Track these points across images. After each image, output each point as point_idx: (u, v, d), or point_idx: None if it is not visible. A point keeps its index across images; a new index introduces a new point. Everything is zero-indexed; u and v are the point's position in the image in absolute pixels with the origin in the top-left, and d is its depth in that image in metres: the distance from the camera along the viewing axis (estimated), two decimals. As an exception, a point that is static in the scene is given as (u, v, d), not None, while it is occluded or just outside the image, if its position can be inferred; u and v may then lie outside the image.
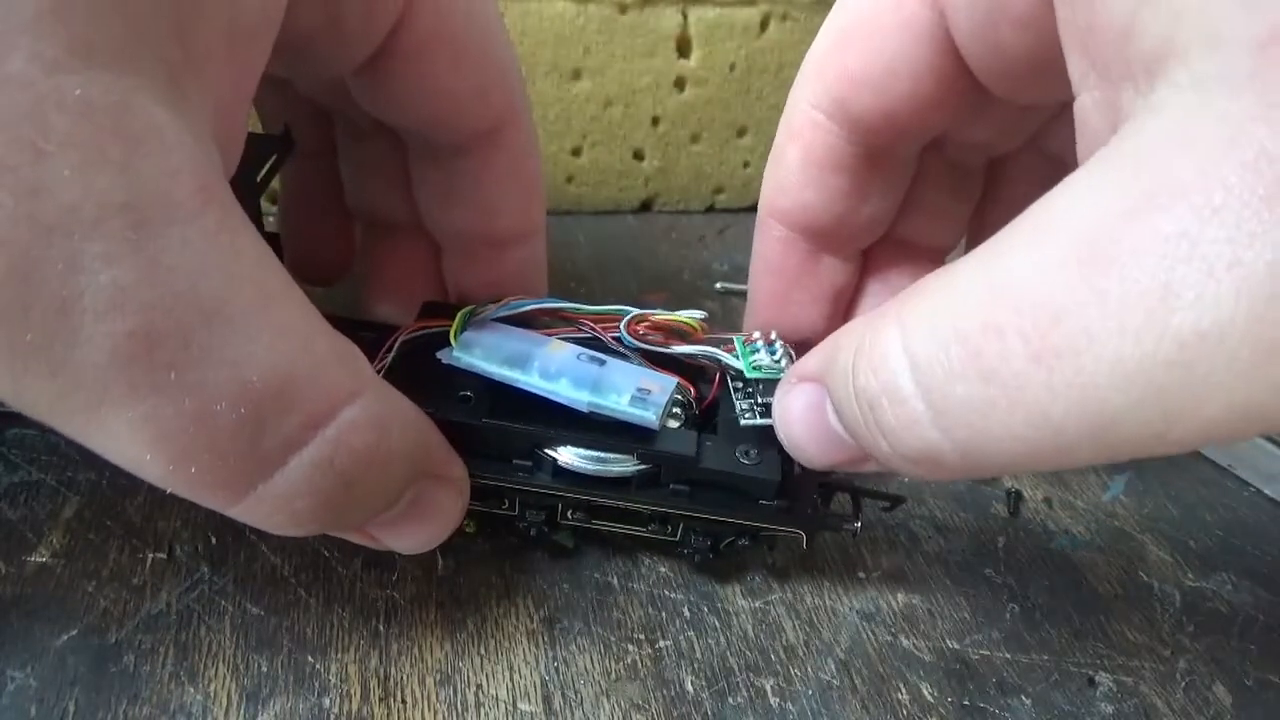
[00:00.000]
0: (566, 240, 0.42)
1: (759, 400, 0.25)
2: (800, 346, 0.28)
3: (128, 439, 0.16)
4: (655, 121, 0.43)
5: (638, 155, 0.44)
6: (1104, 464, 0.15)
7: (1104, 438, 0.15)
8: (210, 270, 0.16)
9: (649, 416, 0.23)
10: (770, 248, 0.27)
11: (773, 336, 0.26)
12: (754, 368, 0.25)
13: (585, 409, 0.23)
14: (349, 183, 0.29)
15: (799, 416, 0.21)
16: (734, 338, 0.26)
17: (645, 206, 0.45)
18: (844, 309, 0.28)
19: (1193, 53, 0.14)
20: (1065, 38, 0.17)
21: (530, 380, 0.23)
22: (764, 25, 0.42)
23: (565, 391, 0.23)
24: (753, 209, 0.46)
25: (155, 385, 0.15)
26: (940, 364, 0.16)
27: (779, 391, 0.23)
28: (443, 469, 0.22)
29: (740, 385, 0.25)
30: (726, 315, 0.38)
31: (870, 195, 0.25)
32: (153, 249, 0.15)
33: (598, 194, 0.44)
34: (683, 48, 0.42)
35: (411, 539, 0.22)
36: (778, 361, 0.25)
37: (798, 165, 0.25)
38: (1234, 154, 0.13)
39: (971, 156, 0.26)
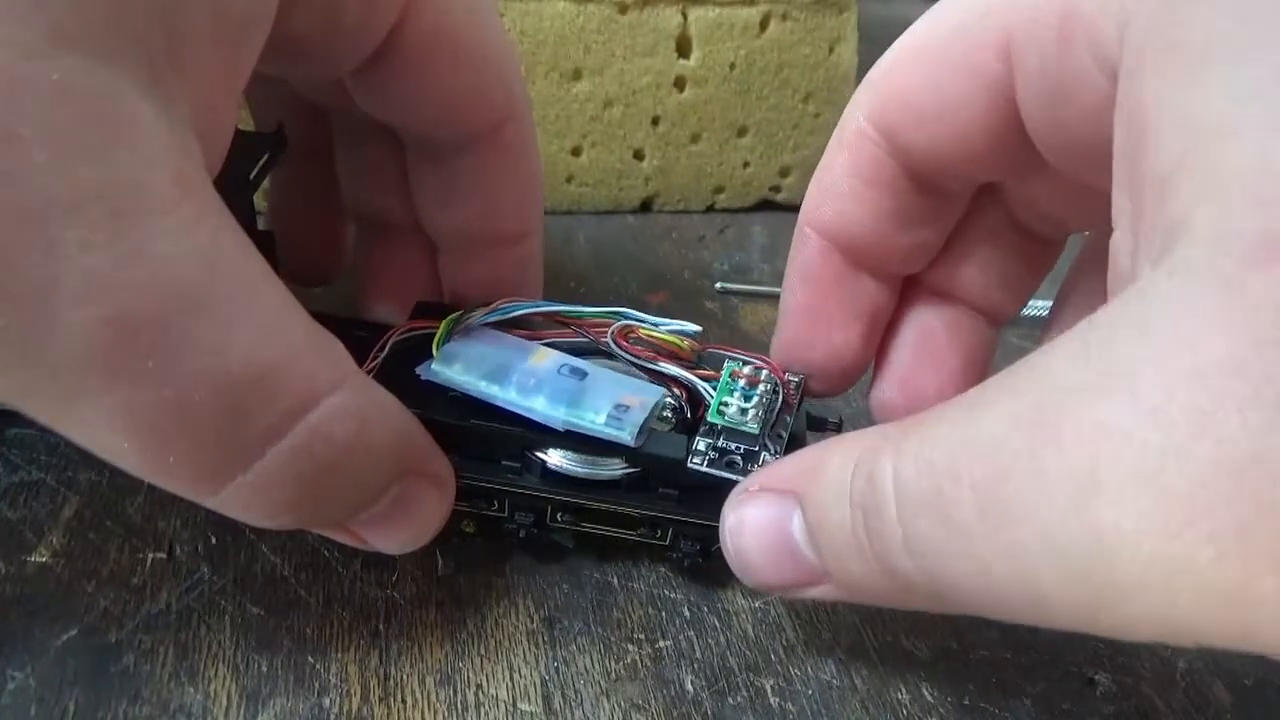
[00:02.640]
0: (566, 240, 0.42)
1: (717, 444, 0.24)
2: (823, 377, 0.26)
3: (105, 428, 0.16)
4: (655, 121, 0.43)
5: (638, 155, 0.44)
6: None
7: (1040, 607, 0.15)
8: (189, 259, 0.15)
9: (624, 435, 0.23)
10: (806, 256, 0.25)
11: (761, 378, 0.25)
12: (719, 412, 0.24)
13: (561, 427, 0.23)
14: (346, 183, 0.29)
15: (757, 527, 0.21)
16: (727, 365, 0.25)
17: (645, 206, 0.45)
18: (878, 336, 0.27)
19: (1196, 238, 0.13)
20: (1117, 162, 0.16)
21: (508, 396, 0.23)
22: (764, 25, 0.42)
23: (541, 409, 0.23)
24: (753, 209, 0.46)
25: (133, 373, 0.15)
26: (914, 493, 0.16)
27: (733, 499, 0.22)
28: (427, 465, 0.22)
29: (709, 420, 0.24)
30: (726, 315, 0.38)
31: (914, 221, 0.24)
32: (131, 237, 0.15)
33: (598, 194, 0.44)
34: (683, 48, 0.42)
35: (395, 538, 0.22)
36: (744, 412, 0.24)
37: (844, 176, 0.24)
38: (1186, 360, 0.13)
39: (1041, 224, 0.25)
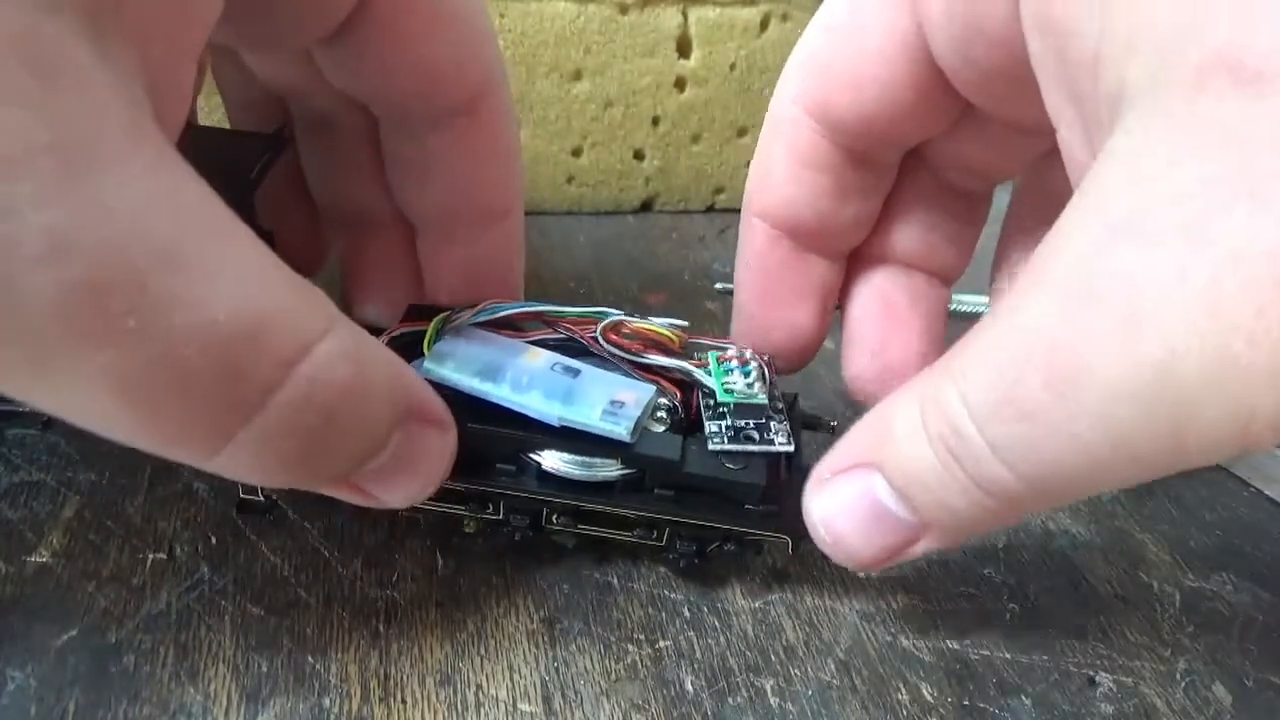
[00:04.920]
0: (567, 240, 0.42)
1: (729, 423, 0.24)
2: (786, 356, 0.28)
3: (88, 395, 0.15)
4: (655, 121, 0.43)
5: (638, 155, 0.44)
6: (1170, 475, 0.16)
7: (1131, 453, 0.16)
8: (154, 210, 0.15)
9: (619, 431, 0.23)
10: (755, 245, 0.27)
11: (747, 356, 0.25)
12: (726, 390, 0.25)
13: (556, 423, 0.23)
14: (315, 177, 0.29)
15: (846, 507, 0.21)
16: (710, 353, 0.26)
17: (645, 206, 0.45)
18: (830, 309, 0.28)
19: (1141, 91, 0.15)
20: (1039, 69, 0.18)
21: (501, 393, 0.23)
22: (764, 25, 0.42)
23: (536, 405, 0.23)
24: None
25: (113, 334, 0.14)
26: (987, 406, 0.17)
27: (811, 492, 0.22)
28: (426, 408, 0.21)
29: (712, 404, 0.25)
30: (727, 315, 0.38)
31: (851, 195, 0.25)
32: (89, 190, 0.14)
33: (598, 194, 0.44)
34: (683, 48, 0.42)
35: (402, 489, 0.21)
36: (750, 385, 0.25)
37: (781, 162, 0.25)
38: (1171, 186, 0.14)
39: (968, 179, 0.26)
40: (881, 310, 0.28)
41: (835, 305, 0.28)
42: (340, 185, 0.28)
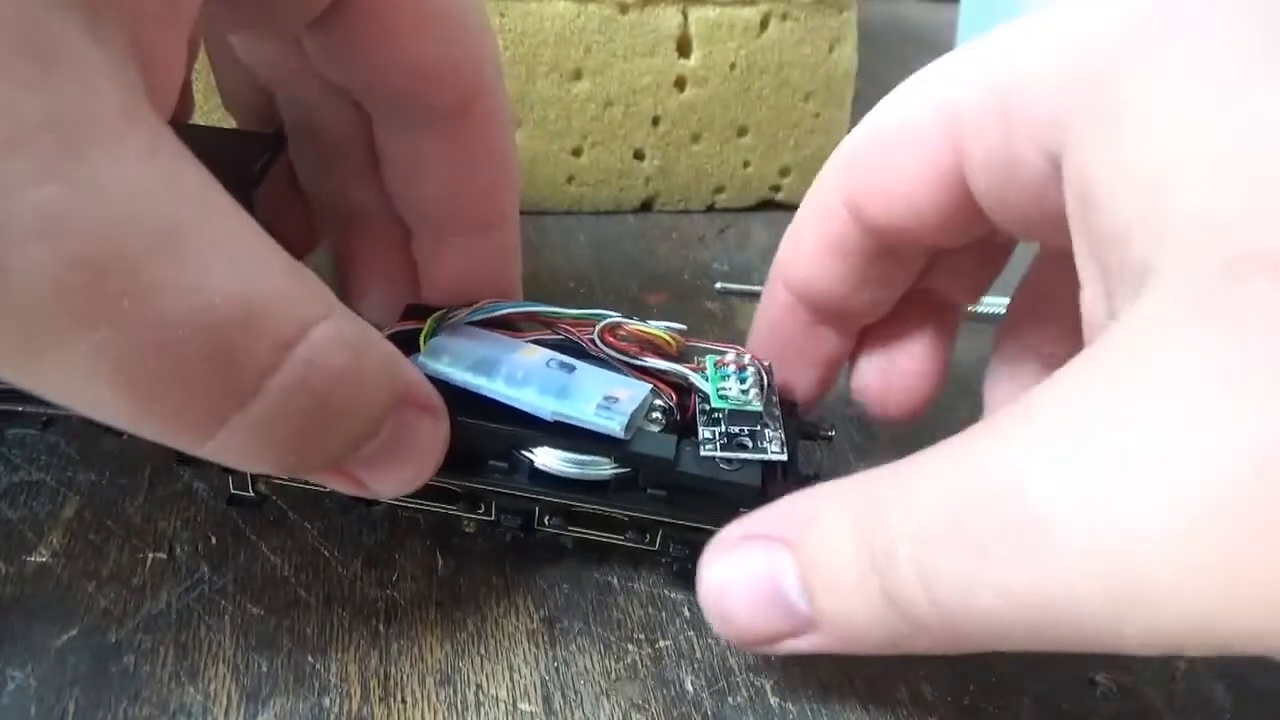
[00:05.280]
0: (566, 240, 0.42)
1: (723, 429, 0.24)
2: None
3: (82, 378, 0.15)
4: (655, 121, 0.43)
5: (638, 155, 0.44)
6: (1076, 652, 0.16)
7: (1066, 622, 0.15)
8: (150, 191, 0.15)
9: (613, 426, 0.23)
10: (774, 308, 0.27)
11: (745, 361, 0.25)
12: (721, 396, 0.25)
13: (549, 417, 0.23)
14: (307, 173, 0.29)
15: (745, 577, 0.20)
16: (708, 357, 0.26)
17: (645, 206, 0.45)
18: (833, 378, 0.29)
19: (1168, 275, 0.15)
20: (1074, 228, 0.18)
21: (495, 387, 0.23)
22: (764, 25, 0.42)
23: (530, 399, 0.23)
24: (754, 208, 0.46)
25: (108, 316, 0.14)
26: (929, 529, 0.17)
27: (714, 549, 0.21)
28: (419, 394, 0.21)
29: (707, 410, 0.25)
30: (727, 315, 0.38)
31: (874, 284, 0.26)
32: (84, 170, 0.14)
33: (598, 194, 0.44)
34: (683, 48, 0.42)
35: (395, 475, 0.21)
36: (745, 392, 0.25)
37: (811, 243, 0.26)
38: (1186, 373, 0.14)
39: (997, 235, 0.26)
40: (889, 331, 0.28)
41: (838, 373, 0.29)
42: (332, 181, 0.28)
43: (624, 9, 0.40)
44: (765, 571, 0.20)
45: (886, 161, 0.23)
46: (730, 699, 0.24)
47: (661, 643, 0.25)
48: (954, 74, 0.22)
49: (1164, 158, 0.16)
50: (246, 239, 0.17)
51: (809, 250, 0.26)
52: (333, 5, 0.22)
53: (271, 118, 0.28)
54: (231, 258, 0.16)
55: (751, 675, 0.24)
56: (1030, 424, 0.16)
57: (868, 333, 0.28)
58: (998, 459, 0.16)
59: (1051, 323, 0.26)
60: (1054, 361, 0.26)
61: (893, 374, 0.28)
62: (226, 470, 0.25)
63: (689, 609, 0.26)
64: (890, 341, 0.28)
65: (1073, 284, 0.19)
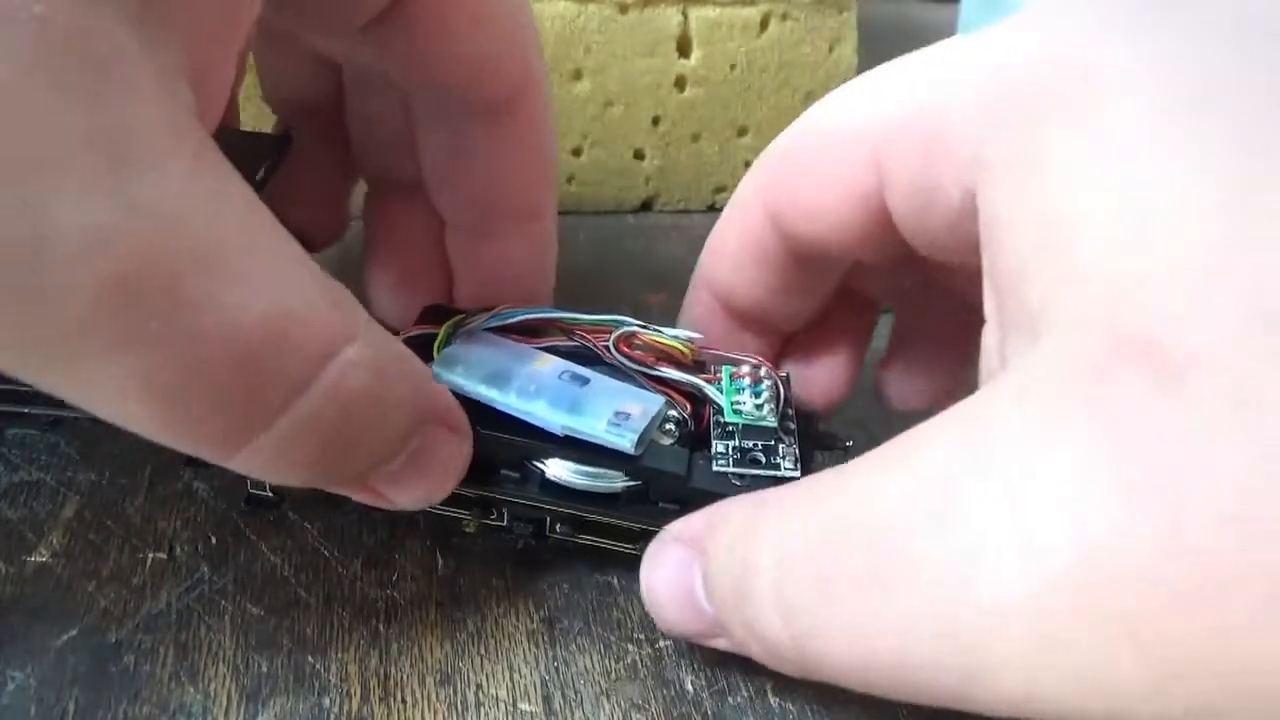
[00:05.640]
0: (566, 240, 0.42)
1: (736, 444, 0.24)
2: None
3: (114, 391, 0.15)
4: (655, 121, 0.43)
5: (638, 155, 0.44)
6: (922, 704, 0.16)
7: (913, 676, 0.16)
8: (194, 211, 0.15)
9: (624, 443, 0.23)
10: (698, 313, 0.28)
11: (762, 374, 0.25)
12: (735, 410, 0.25)
13: (560, 432, 0.23)
14: (356, 136, 0.29)
15: (666, 576, 0.22)
16: (724, 367, 0.26)
17: (645, 206, 0.45)
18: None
19: (1056, 339, 0.15)
20: (985, 267, 0.18)
21: (507, 401, 0.23)
22: (764, 25, 0.42)
23: (541, 413, 0.23)
24: (753, 209, 0.46)
25: (143, 333, 0.14)
26: (790, 559, 0.17)
27: (652, 546, 0.23)
28: (444, 412, 0.21)
29: (721, 422, 0.25)
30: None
31: (794, 294, 0.26)
32: (131, 187, 0.14)
33: (598, 194, 0.44)
34: (683, 48, 0.42)
35: (418, 490, 0.21)
36: (760, 406, 0.25)
37: (733, 247, 0.26)
38: (1057, 454, 0.14)
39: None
40: (813, 323, 0.28)
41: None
42: (380, 148, 0.28)
43: (624, 9, 0.40)
44: (682, 573, 0.21)
45: (809, 173, 0.23)
46: (730, 699, 0.24)
47: (661, 643, 0.25)
48: (883, 90, 0.21)
49: (1071, 210, 0.15)
50: (284, 258, 0.17)
51: (729, 255, 0.26)
52: (387, 7, 0.22)
53: (317, 105, 0.28)
54: (268, 277, 0.16)
55: (751, 675, 0.24)
56: (906, 470, 0.16)
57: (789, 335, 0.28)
58: (866, 499, 0.17)
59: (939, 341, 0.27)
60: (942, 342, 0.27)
61: (810, 374, 0.28)
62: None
63: (689, 609, 0.26)
64: (808, 341, 0.28)
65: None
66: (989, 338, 0.18)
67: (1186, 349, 0.13)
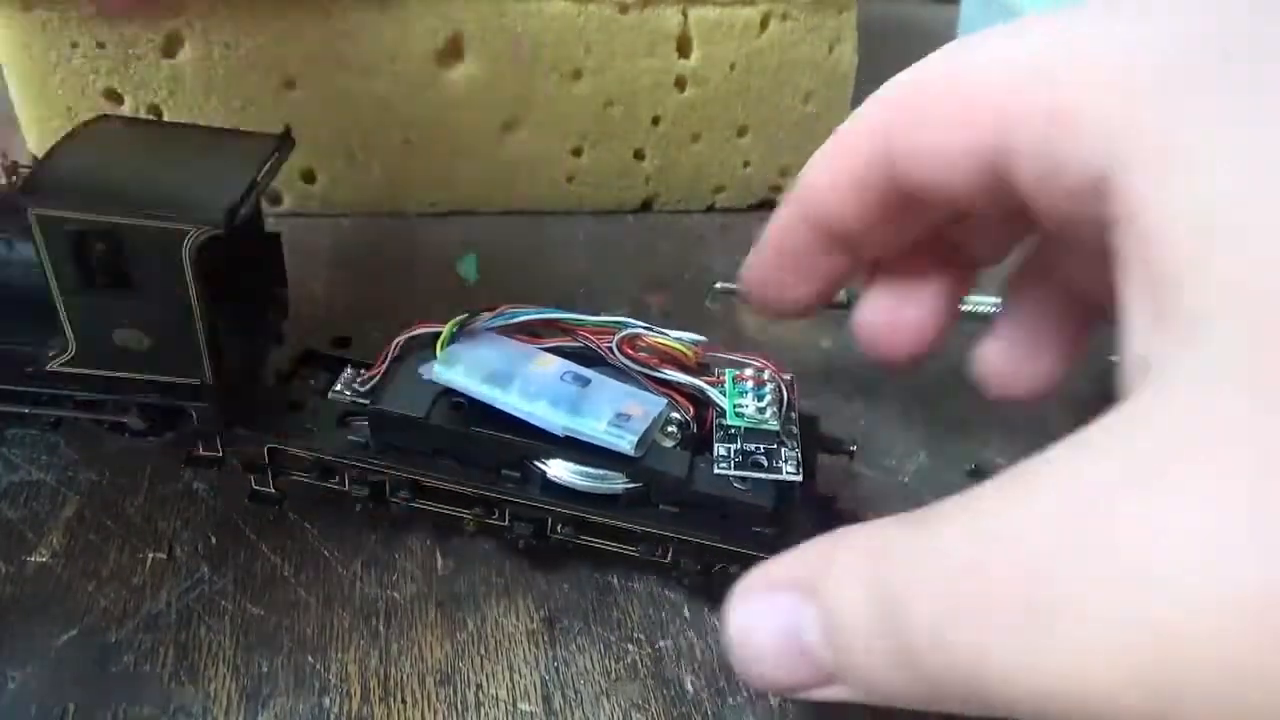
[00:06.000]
0: (566, 240, 0.42)
1: (738, 447, 0.24)
2: (781, 313, 0.27)
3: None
4: (655, 121, 0.43)
5: (638, 155, 0.44)
6: None
7: (1092, 707, 0.14)
8: None
9: (624, 444, 0.23)
10: (785, 219, 0.26)
11: (765, 377, 0.25)
12: (737, 413, 0.24)
13: (561, 433, 0.23)
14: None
15: (768, 626, 0.19)
16: (727, 370, 0.26)
17: (645, 206, 0.45)
18: (832, 293, 0.27)
19: (1220, 334, 0.14)
20: (1122, 261, 0.17)
21: (509, 400, 0.23)
22: (764, 25, 0.42)
23: (543, 414, 0.23)
24: (753, 209, 0.46)
25: None
26: (940, 588, 0.16)
27: (740, 594, 0.20)
28: None
29: (723, 425, 0.25)
30: (726, 316, 0.38)
31: (890, 226, 0.25)
32: None
33: (598, 194, 0.44)
34: (683, 48, 0.42)
35: None
36: (763, 410, 0.24)
37: (837, 172, 0.24)
38: (1234, 455, 0.13)
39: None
40: (902, 279, 0.27)
41: (836, 291, 0.27)
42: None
43: (624, 9, 0.40)
44: (788, 621, 0.19)
45: (931, 121, 0.22)
46: (730, 699, 0.24)
47: (661, 643, 0.25)
48: (1013, 49, 0.20)
49: (1242, 215, 0.14)
50: None
51: (830, 177, 0.25)
52: None
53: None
54: None
55: (751, 675, 0.24)
56: (1043, 490, 0.15)
57: (881, 270, 0.27)
58: (1012, 524, 0.16)
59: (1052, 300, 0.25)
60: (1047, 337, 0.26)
61: (899, 317, 0.27)
62: (246, 469, 0.25)
63: (689, 609, 0.26)
64: (902, 284, 0.27)
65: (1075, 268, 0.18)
66: (1133, 341, 0.17)
67: None
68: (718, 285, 0.40)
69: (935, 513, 0.17)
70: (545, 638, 0.25)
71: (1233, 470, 0.13)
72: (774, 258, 0.27)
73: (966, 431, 0.29)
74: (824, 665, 0.19)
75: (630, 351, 0.25)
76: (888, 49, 0.23)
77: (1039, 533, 0.15)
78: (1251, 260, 0.14)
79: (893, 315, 0.27)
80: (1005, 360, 0.27)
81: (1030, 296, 0.27)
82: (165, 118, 0.37)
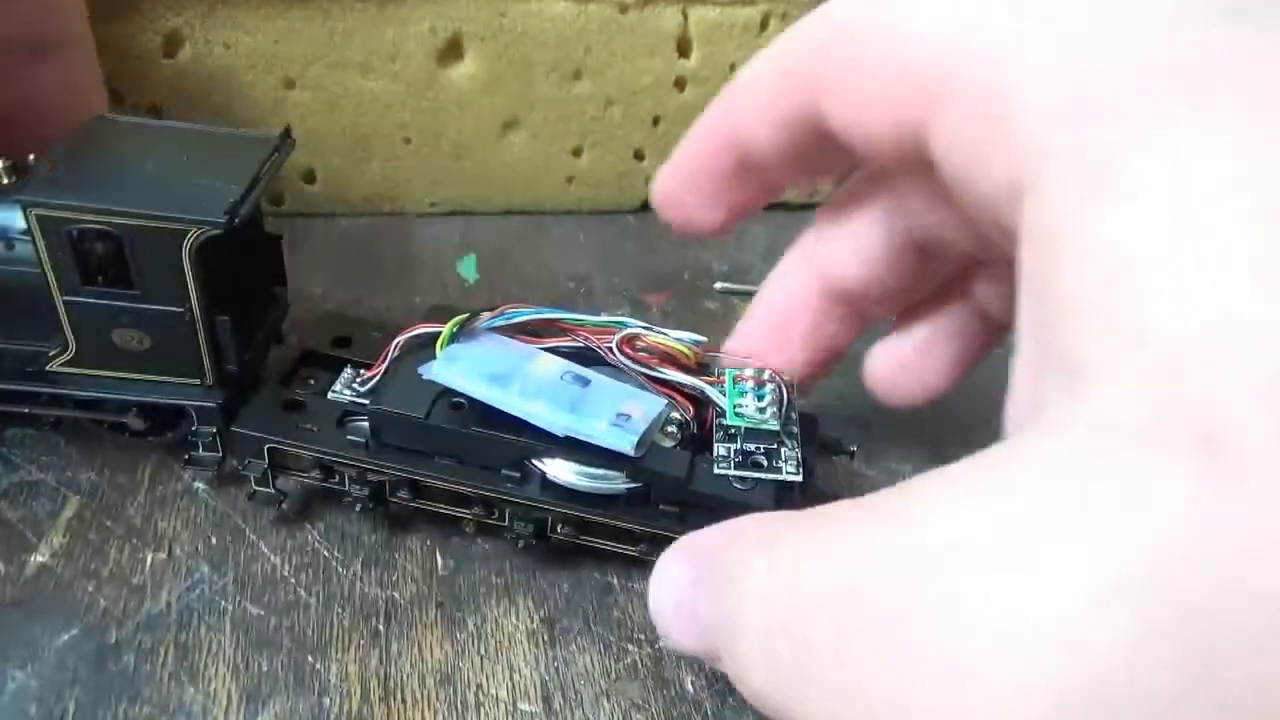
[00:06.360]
0: (567, 240, 0.42)
1: (738, 447, 0.24)
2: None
3: None
4: (656, 121, 0.43)
5: (638, 155, 0.44)
6: None
7: None
8: None
9: (624, 445, 0.23)
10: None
11: (765, 377, 0.25)
12: (737, 413, 0.24)
13: (561, 433, 0.23)
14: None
15: (671, 585, 0.20)
16: (727, 370, 0.25)
17: (645, 206, 0.45)
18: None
19: (1108, 392, 0.13)
20: (1023, 284, 0.16)
21: (509, 400, 0.23)
22: (764, 25, 0.42)
23: (543, 414, 0.23)
24: (752, 209, 0.46)
25: None
26: (777, 613, 0.16)
27: (668, 551, 0.21)
28: None
29: (723, 426, 0.24)
30: (727, 316, 0.38)
31: (901, 274, 0.24)
32: None
33: (598, 194, 0.44)
34: (683, 48, 0.42)
35: None
36: (763, 410, 0.24)
37: (761, 103, 0.23)
38: (1075, 551, 0.12)
39: None
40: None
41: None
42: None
43: (624, 9, 0.40)
44: (689, 587, 0.19)
45: (860, 76, 0.20)
46: (730, 699, 0.24)
47: (661, 643, 0.25)
48: (962, 7, 0.18)
49: (1150, 257, 0.13)
50: None
51: (756, 113, 0.23)
52: None
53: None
54: None
55: (751, 675, 0.24)
56: (903, 528, 0.15)
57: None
58: (855, 560, 0.15)
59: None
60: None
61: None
62: (246, 467, 0.25)
63: (689, 609, 0.26)
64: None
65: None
66: (1020, 378, 0.16)
67: (1252, 449, 0.11)
68: (718, 286, 0.40)
69: (812, 518, 0.17)
70: (545, 638, 0.25)
71: (1083, 548, 0.12)
72: (687, 177, 0.26)
73: (967, 432, 0.29)
74: (711, 639, 0.19)
75: (630, 351, 0.25)
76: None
77: (878, 576, 0.14)
78: (1156, 314, 0.13)
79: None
80: (895, 362, 0.27)
81: (935, 304, 0.26)
82: (165, 118, 0.37)
